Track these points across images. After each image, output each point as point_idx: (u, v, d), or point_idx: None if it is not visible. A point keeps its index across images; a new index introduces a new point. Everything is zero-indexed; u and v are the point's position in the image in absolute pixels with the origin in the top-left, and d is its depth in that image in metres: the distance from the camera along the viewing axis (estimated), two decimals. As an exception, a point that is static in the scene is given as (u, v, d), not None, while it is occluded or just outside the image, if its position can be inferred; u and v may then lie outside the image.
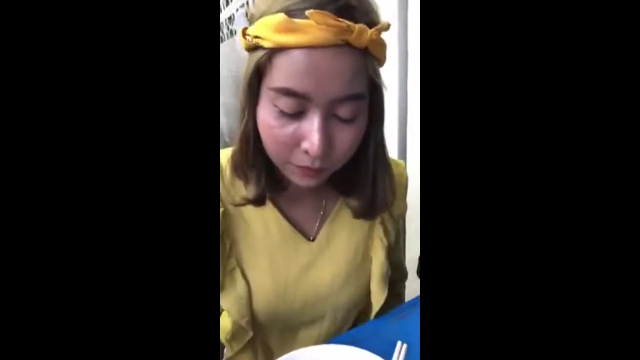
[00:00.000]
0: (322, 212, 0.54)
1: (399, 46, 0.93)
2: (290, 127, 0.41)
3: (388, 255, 0.56)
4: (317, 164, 0.42)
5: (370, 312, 0.56)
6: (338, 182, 0.51)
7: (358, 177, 0.50)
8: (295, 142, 0.41)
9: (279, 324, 0.53)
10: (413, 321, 0.51)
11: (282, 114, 0.40)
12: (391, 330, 0.49)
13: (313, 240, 0.53)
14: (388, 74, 0.56)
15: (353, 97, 0.41)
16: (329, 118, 0.41)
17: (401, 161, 0.63)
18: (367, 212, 0.52)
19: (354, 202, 0.52)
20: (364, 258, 0.55)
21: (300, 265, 0.52)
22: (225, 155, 0.51)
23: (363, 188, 0.50)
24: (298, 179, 0.45)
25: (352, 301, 0.55)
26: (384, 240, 0.55)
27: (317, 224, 0.54)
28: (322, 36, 0.36)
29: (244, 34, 0.41)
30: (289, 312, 0.52)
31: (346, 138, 0.42)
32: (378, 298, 0.54)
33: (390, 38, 0.44)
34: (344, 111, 0.41)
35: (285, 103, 0.39)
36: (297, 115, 0.40)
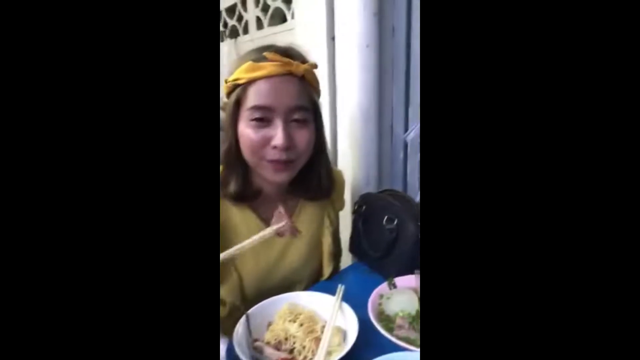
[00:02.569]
0: (288, 212, 0.75)
1: (329, 80, 1.18)
2: (262, 132, 0.64)
3: (333, 238, 0.83)
4: (284, 156, 0.64)
5: (321, 279, 0.83)
6: (296, 189, 0.76)
7: (306, 177, 0.74)
8: (267, 141, 0.64)
9: (264, 296, 0.69)
10: (347, 278, 0.80)
11: (256, 124, 0.63)
12: (334, 284, 0.77)
13: (281, 236, 0.75)
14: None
15: (302, 108, 0.65)
16: (288, 123, 0.65)
17: (340, 169, 0.90)
18: (316, 196, 0.77)
19: (304, 193, 0.77)
20: (318, 242, 0.81)
21: (276, 253, 0.75)
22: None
23: (311, 183, 0.75)
24: (272, 174, 0.66)
25: (312, 274, 0.81)
26: (330, 228, 0.82)
27: None
28: (275, 69, 0.62)
29: (226, 81, 0.66)
30: (271, 288, 0.74)
31: (303, 136, 0.66)
32: (327, 269, 0.81)
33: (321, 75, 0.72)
34: (297, 116, 0.65)
35: (257, 115, 0.63)
36: (267, 123, 0.64)
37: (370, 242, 0.80)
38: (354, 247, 0.87)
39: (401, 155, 0.96)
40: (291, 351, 0.58)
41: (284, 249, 0.76)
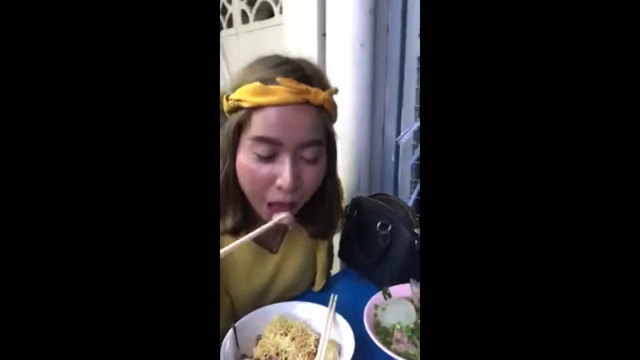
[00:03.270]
0: (281, 232, 0.71)
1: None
2: (266, 168, 0.53)
3: (328, 253, 0.78)
4: (288, 198, 0.55)
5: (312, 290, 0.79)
6: (302, 222, 0.66)
7: (316, 209, 0.64)
8: (271, 180, 0.54)
9: None
10: (337, 285, 0.77)
11: (260, 158, 0.53)
12: (324, 292, 0.74)
13: (276, 252, 0.70)
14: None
15: (314, 143, 0.54)
16: (297, 160, 0.54)
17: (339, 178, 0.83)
18: (324, 234, 0.70)
19: (312, 227, 0.67)
20: (312, 258, 0.76)
21: (269, 272, 0.69)
22: None
23: (322, 217, 0.65)
24: (270, 216, 0.57)
25: (305, 290, 0.77)
26: (325, 243, 0.77)
27: (278, 240, 0.71)
28: (288, 97, 0.50)
29: (227, 98, 0.54)
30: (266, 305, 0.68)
31: (311, 175, 0.56)
32: (320, 283, 0.76)
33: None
34: (308, 154, 0.54)
35: (262, 149, 0.52)
36: (272, 158, 0.53)
37: (362, 248, 0.77)
38: (344, 253, 0.84)
39: (392, 158, 0.93)
40: (283, 367, 0.54)
41: (277, 267, 0.71)
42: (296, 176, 0.54)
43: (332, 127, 0.60)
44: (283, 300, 0.71)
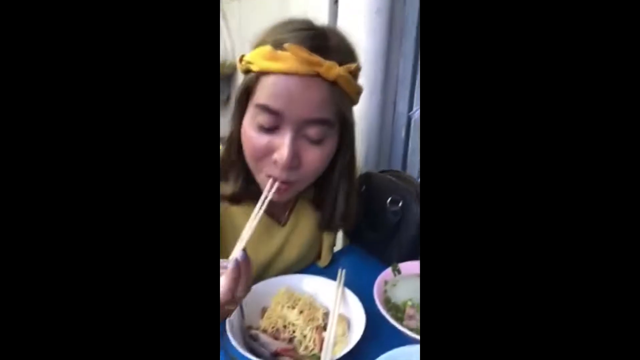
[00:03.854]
0: (290, 205, 0.68)
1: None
2: (265, 139, 0.50)
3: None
4: (284, 176, 0.50)
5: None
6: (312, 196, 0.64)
7: (322, 196, 0.61)
8: (268, 152, 0.50)
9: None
10: (343, 262, 0.75)
11: (261, 127, 0.50)
12: (330, 267, 0.72)
13: (284, 225, 0.67)
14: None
15: (320, 121, 0.49)
16: (299, 137, 0.50)
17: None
18: (327, 225, 0.64)
19: (319, 214, 0.64)
20: (319, 234, 0.73)
21: (275, 248, 0.66)
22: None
23: (325, 203, 0.61)
24: (266, 187, 0.51)
25: (309, 265, 0.75)
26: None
27: (287, 213, 0.68)
28: (296, 66, 0.46)
29: (241, 60, 0.52)
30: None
31: (313, 158, 0.51)
32: (326, 259, 0.74)
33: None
34: (312, 132, 0.49)
35: (264, 118, 0.49)
36: (272, 130, 0.49)
37: (370, 225, 0.75)
38: (350, 229, 0.82)
39: (402, 133, 0.90)
40: (290, 340, 0.52)
41: (284, 240, 0.68)
42: (295, 154, 0.50)
43: (347, 109, 0.53)
44: (287, 273, 0.69)
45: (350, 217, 0.64)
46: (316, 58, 0.46)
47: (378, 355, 0.46)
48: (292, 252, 0.69)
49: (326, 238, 0.74)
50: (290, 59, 0.46)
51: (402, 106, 0.89)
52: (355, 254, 0.78)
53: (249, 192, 0.57)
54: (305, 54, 0.46)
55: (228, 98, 1.50)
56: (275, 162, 0.50)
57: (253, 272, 0.63)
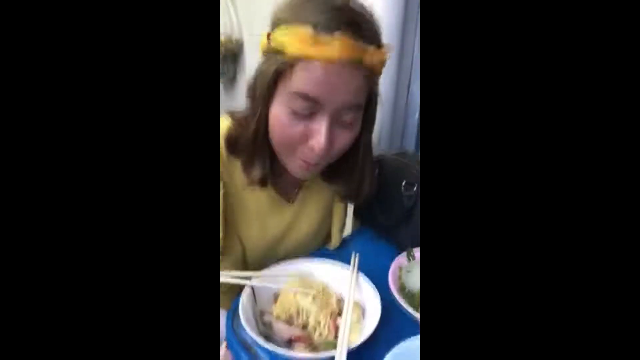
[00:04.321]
0: (299, 182, 0.67)
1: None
2: (300, 126, 0.48)
3: (345, 209, 0.74)
4: (316, 160, 0.51)
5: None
6: (331, 181, 0.63)
7: (346, 170, 0.60)
8: (303, 139, 0.49)
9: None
10: (354, 246, 0.74)
11: (295, 114, 0.47)
12: (340, 251, 0.71)
13: (293, 202, 0.66)
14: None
15: (355, 107, 0.49)
16: (334, 122, 0.49)
17: None
18: (353, 197, 0.65)
19: (341, 189, 0.64)
20: (328, 213, 0.73)
21: (284, 225, 0.66)
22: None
23: (351, 179, 0.61)
24: (296, 170, 0.54)
25: (319, 246, 0.74)
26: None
27: (296, 190, 0.67)
28: (342, 53, 0.43)
29: (268, 37, 0.48)
30: (275, 260, 0.61)
31: (343, 141, 0.51)
32: (336, 240, 0.73)
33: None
34: (347, 118, 0.49)
35: (300, 105, 0.46)
36: (308, 116, 0.47)
37: (383, 208, 0.73)
38: (361, 211, 0.80)
39: (417, 115, 0.87)
40: (304, 327, 0.51)
41: (293, 218, 0.67)
42: (331, 140, 0.49)
43: (376, 85, 0.53)
44: (296, 253, 0.68)
45: (372, 187, 0.64)
46: (362, 45, 0.45)
47: (393, 344, 0.45)
48: (300, 231, 0.68)
49: (336, 216, 0.73)
50: (337, 45, 0.43)
51: (416, 87, 0.86)
52: (367, 237, 0.76)
53: (275, 175, 0.57)
54: (351, 40, 0.44)
55: (234, 77, 1.46)
56: (312, 149, 0.49)
57: (262, 251, 0.63)
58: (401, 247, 0.65)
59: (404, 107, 0.90)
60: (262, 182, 0.57)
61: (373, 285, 0.55)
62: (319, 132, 0.48)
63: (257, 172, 0.55)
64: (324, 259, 0.61)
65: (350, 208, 0.84)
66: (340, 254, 0.63)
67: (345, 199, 0.68)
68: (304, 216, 0.68)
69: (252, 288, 0.54)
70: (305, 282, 0.56)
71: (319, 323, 0.50)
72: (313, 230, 0.70)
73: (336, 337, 0.49)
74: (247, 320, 0.48)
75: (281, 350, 0.43)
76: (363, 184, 0.63)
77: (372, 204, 0.75)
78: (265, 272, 0.57)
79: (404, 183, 0.68)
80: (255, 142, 0.53)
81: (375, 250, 0.72)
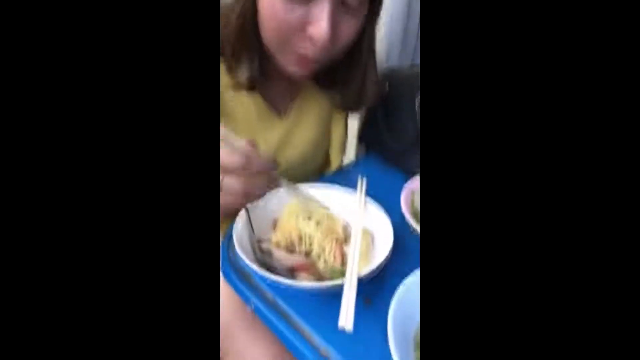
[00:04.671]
0: (293, 93, 0.59)
1: None
2: (298, 12, 0.40)
3: (345, 126, 0.67)
4: (317, 53, 0.43)
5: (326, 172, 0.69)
6: (327, 86, 0.54)
7: (347, 71, 0.52)
8: (301, 27, 0.41)
9: None
10: (360, 172, 0.67)
11: None
12: (343, 178, 0.64)
13: (285, 117, 0.59)
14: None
15: None
16: (337, 6, 0.41)
17: None
18: (354, 105, 0.56)
19: (339, 95, 0.55)
20: (326, 130, 0.65)
21: (276, 141, 0.58)
22: None
23: (353, 82, 0.53)
24: (292, 67, 0.46)
25: (317, 169, 0.67)
26: (344, 114, 0.65)
27: (289, 103, 0.59)
28: None
29: None
30: None
31: (348, 30, 0.43)
32: (336, 162, 0.67)
33: None
34: (352, 0, 0.41)
35: None
36: (306, 0, 0.40)
37: (392, 131, 0.65)
38: (367, 135, 0.72)
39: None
40: (307, 254, 0.46)
41: (286, 134, 0.60)
42: (334, 27, 0.41)
43: None
44: (290, 175, 0.61)
45: (377, 93, 0.56)
46: None
47: (405, 272, 0.40)
48: (294, 150, 0.61)
49: (336, 133, 0.65)
50: None
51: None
52: (373, 164, 0.69)
53: (265, 76, 0.49)
54: None
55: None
56: (311, 38, 0.41)
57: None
58: (410, 172, 0.59)
59: (418, 15, 0.78)
60: (250, 85, 0.49)
61: (383, 211, 0.49)
62: (320, 18, 0.40)
63: (243, 73, 0.48)
64: (327, 184, 0.55)
65: (353, 128, 0.76)
66: (345, 180, 0.56)
67: (346, 108, 0.59)
68: (298, 134, 0.60)
69: (248, 213, 0.48)
70: (307, 206, 0.50)
71: (324, 250, 0.45)
72: (308, 152, 0.62)
73: (343, 264, 0.44)
74: (242, 248, 0.42)
75: (283, 280, 0.38)
76: (366, 88, 0.54)
77: (379, 125, 0.67)
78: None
79: (418, 97, 0.59)
80: (242, 36, 0.45)
81: (383, 176, 0.65)
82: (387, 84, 0.66)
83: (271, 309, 0.40)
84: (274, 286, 0.41)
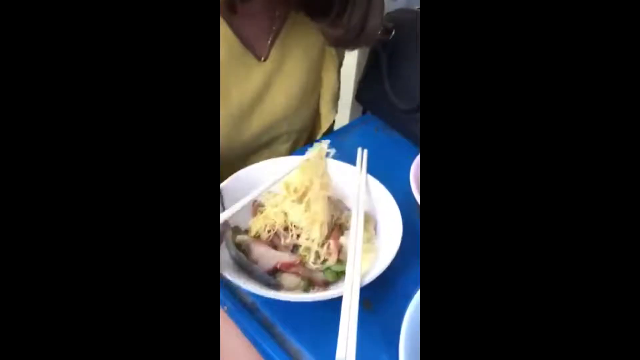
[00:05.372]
0: (274, 28, 0.48)
1: None
2: None
3: (338, 73, 0.55)
4: None
5: (317, 133, 0.58)
6: (315, 14, 0.43)
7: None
8: None
9: (236, 152, 0.50)
10: (356, 137, 0.57)
11: None
12: (347, 145, 0.53)
13: (264, 60, 0.48)
14: None
15: None
16: None
17: None
18: (351, 39, 0.44)
19: (334, 26, 0.44)
20: (316, 79, 0.54)
21: (253, 89, 0.48)
22: None
23: (353, 14, 0.42)
24: None
25: (305, 123, 0.56)
26: (336, 59, 0.53)
27: (269, 42, 0.48)
28: None
29: None
30: (246, 140, 0.50)
31: None
32: (328, 119, 0.56)
33: None
34: None
35: None
36: None
37: (397, 87, 0.54)
38: (366, 93, 0.61)
39: None
40: (294, 248, 0.37)
41: (266, 80, 0.48)
42: None
43: None
44: (268, 136, 0.52)
45: (377, 32, 0.45)
46: None
47: (413, 265, 0.32)
48: (276, 100, 0.50)
49: (327, 84, 0.54)
50: None
51: None
52: (371, 127, 0.59)
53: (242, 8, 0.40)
54: None
55: None
56: None
57: (227, 123, 0.49)
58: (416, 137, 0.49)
59: None
60: (230, 6, 0.40)
61: (388, 192, 0.39)
62: None
63: None
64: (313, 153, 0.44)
65: (349, 85, 0.65)
66: (339, 151, 0.46)
67: (341, 43, 0.48)
68: (280, 80, 0.50)
69: (220, 193, 0.38)
70: (293, 185, 0.40)
71: (313, 241, 0.36)
72: (293, 103, 0.51)
73: (339, 261, 0.36)
74: (227, 246, 0.32)
75: (262, 291, 0.29)
76: (368, 18, 0.43)
77: (383, 81, 0.55)
78: (238, 173, 0.41)
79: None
80: None
81: (386, 146, 0.55)
82: (392, 26, 0.54)
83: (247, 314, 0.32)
84: (256, 296, 0.32)
